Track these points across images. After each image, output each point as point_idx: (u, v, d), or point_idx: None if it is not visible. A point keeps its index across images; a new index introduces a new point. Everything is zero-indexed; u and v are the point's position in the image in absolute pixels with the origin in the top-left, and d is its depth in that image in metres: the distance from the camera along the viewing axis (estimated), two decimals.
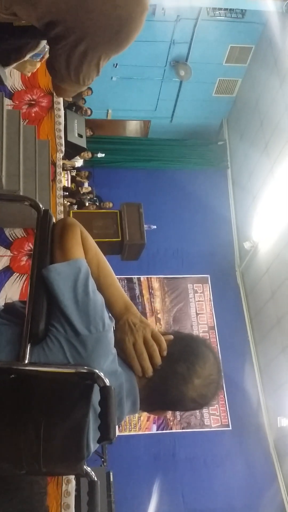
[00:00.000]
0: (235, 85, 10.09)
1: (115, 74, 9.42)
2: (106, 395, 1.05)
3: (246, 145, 9.67)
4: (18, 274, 5.48)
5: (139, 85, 9.86)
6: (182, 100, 10.31)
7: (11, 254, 5.58)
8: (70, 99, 8.34)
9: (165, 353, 1.22)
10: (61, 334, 1.11)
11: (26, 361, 1.08)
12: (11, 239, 5.64)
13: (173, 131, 10.79)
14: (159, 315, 8.84)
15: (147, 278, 9.07)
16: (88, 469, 1.29)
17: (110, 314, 1.20)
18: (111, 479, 5.82)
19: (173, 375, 1.21)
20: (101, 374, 1.07)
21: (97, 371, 1.07)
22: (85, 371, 1.07)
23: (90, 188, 8.96)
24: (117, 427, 1.07)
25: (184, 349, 1.25)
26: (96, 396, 1.08)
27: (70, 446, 1.14)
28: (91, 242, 1.29)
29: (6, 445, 1.15)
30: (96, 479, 1.31)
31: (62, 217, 4.15)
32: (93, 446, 1.18)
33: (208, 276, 9.23)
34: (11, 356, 1.10)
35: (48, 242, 1.25)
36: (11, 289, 5.30)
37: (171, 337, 1.27)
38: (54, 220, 1.31)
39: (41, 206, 1.33)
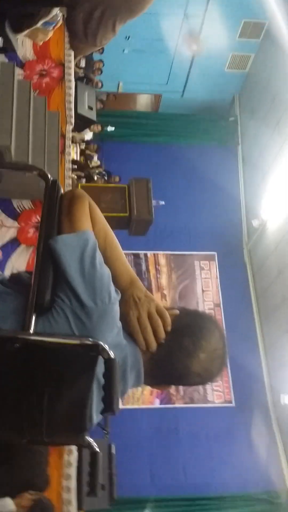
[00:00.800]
0: (247, 61, 9.90)
1: (127, 46, 9.24)
2: (110, 367, 1.05)
3: (257, 122, 9.52)
4: (25, 246, 5.48)
5: (151, 58, 9.69)
6: (194, 75, 10.13)
7: (19, 226, 5.57)
8: (82, 72, 8.22)
9: (169, 328, 1.22)
10: (67, 305, 1.10)
11: (31, 331, 1.08)
12: (18, 211, 5.62)
13: (184, 106, 10.63)
14: (165, 291, 8.86)
15: (154, 254, 9.06)
16: (90, 440, 1.30)
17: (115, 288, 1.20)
18: (113, 452, 5.91)
19: (178, 349, 1.20)
20: (106, 347, 1.07)
21: (101, 343, 1.07)
22: (90, 343, 1.07)
23: (99, 162, 8.89)
24: (120, 400, 1.07)
25: (189, 324, 1.25)
26: (100, 368, 1.08)
27: (73, 417, 1.15)
28: (99, 214, 1.28)
29: (9, 413, 1.16)
30: (98, 450, 1.33)
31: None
32: (96, 418, 1.19)
33: (215, 253, 9.20)
34: (16, 326, 1.10)
35: (56, 212, 1.23)
36: (18, 261, 5.31)
37: (177, 312, 1.27)
38: (62, 191, 1.29)
39: (49, 176, 1.31)
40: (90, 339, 1.07)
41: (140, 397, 7.87)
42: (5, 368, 1.09)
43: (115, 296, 1.15)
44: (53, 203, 1.26)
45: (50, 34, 1.98)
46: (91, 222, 1.24)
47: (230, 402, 8.24)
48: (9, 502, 1.74)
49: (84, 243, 1.16)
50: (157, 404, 8.05)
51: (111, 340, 1.12)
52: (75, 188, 1.32)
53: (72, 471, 4.04)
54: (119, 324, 1.17)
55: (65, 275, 1.11)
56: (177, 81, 10.26)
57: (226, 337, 1.27)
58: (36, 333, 1.08)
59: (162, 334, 1.20)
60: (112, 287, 1.15)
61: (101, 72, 8.99)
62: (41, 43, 2.01)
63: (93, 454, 1.30)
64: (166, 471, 7.56)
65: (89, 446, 1.30)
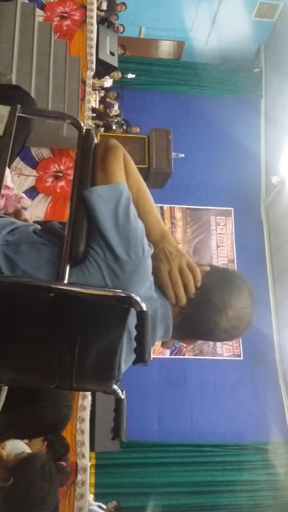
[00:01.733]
0: (276, 9, 9.43)
1: None
2: (143, 319, 1.07)
3: (283, 74, 9.16)
4: (43, 195, 5.48)
5: (175, 3, 9.27)
6: (219, 22, 9.71)
7: (37, 175, 5.54)
8: (103, 14, 7.91)
9: (199, 284, 1.22)
10: (100, 257, 1.11)
11: (65, 281, 1.09)
12: (37, 159, 5.58)
13: (207, 55, 10.25)
14: (179, 245, 8.85)
15: (170, 207, 9.00)
16: (116, 387, 1.34)
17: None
18: (124, 396, 6.12)
19: (208, 305, 1.22)
20: (138, 299, 1.08)
21: (134, 295, 1.08)
22: (123, 295, 1.08)
23: (118, 111, 8.69)
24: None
25: (220, 281, 1.25)
26: (131, 320, 1.10)
27: (102, 365, 1.18)
28: (133, 166, 1.26)
29: (41, 359, 1.19)
30: (123, 397, 1.37)
31: None
32: (124, 367, 1.22)
33: (232, 209, 9.12)
34: (50, 276, 1.11)
35: (90, 163, 1.22)
36: (36, 209, 5.32)
37: (207, 268, 1.27)
38: (96, 140, 1.27)
39: (82, 125, 1.29)
40: (123, 291, 1.08)
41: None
42: (40, 316, 1.12)
43: (148, 250, 1.15)
44: (87, 153, 1.24)
45: None
46: (125, 174, 1.22)
47: (239, 356, 8.40)
48: (21, 445, 1.82)
49: (118, 195, 1.15)
50: (167, 354, 8.23)
51: (143, 293, 1.13)
52: (110, 138, 1.29)
53: (86, 415, 4.20)
54: (151, 277, 1.17)
55: (99, 227, 1.11)
56: (202, 28, 9.85)
57: (255, 295, 1.28)
58: (70, 283, 1.09)
59: (192, 289, 1.21)
60: (146, 241, 1.15)
61: (118, 17, 8.61)
62: None
63: (118, 400, 1.35)
64: (173, 418, 7.82)
65: (115, 393, 1.34)
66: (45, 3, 6.09)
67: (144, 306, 1.07)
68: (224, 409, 7.92)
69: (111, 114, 8.45)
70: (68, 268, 1.10)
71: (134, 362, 1.07)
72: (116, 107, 8.68)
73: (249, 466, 7.72)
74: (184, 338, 1.33)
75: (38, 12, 5.35)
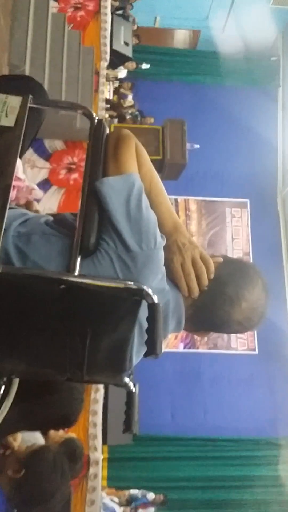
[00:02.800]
0: None
1: None
2: (154, 311, 1.05)
3: None
4: (56, 187, 5.48)
5: None
6: (236, 9, 9.58)
7: (50, 167, 5.54)
8: (117, 3, 7.85)
9: (212, 275, 1.21)
10: (112, 249, 1.09)
11: (76, 273, 1.08)
12: (50, 151, 5.58)
13: (224, 44, 10.09)
14: (194, 238, 8.79)
15: (185, 199, 8.95)
16: (127, 380, 1.34)
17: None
18: (137, 391, 6.14)
19: (221, 297, 1.20)
20: (150, 291, 1.06)
21: (145, 288, 1.06)
22: (134, 287, 1.06)
23: (133, 102, 8.64)
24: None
25: (233, 272, 1.24)
26: (143, 312, 1.09)
27: (113, 358, 1.18)
28: (146, 156, 1.24)
29: (52, 352, 1.19)
30: (134, 390, 1.36)
31: None
32: (135, 360, 1.21)
33: (248, 201, 9.03)
34: (61, 267, 1.10)
35: (101, 154, 1.20)
36: (49, 202, 5.33)
37: (221, 259, 1.26)
38: (108, 130, 1.25)
39: (94, 115, 1.27)
40: (134, 283, 1.07)
41: (165, 341, 8.03)
42: (51, 308, 1.11)
43: (161, 241, 1.14)
44: (99, 143, 1.22)
45: None
46: (137, 165, 1.21)
47: (254, 350, 8.35)
48: (38, 436, 1.83)
49: (130, 186, 1.13)
50: (181, 348, 8.22)
51: (155, 285, 1.11)
52: (122, 128, 1.27)
53: (99, 408, 4.23)
54: (163, 269, 1.16)
55: (111, 218, 1.10)
56: (218, 17, 9.73)
57: (269, 288, 1.26)
58: (81, 275, 1.08)
59: (205, 281, 1.20)
60: (158, 232, 1.14)
61: (132, 7, 8.51)
62: None
63: (130, 393, 1.34)
64: (187, 411, 7.82)
65: (126, 386, 1.33)
66: None
67: (155, 299, 1.06)
68: (238, 403, 7.90)
69: (125, 105, 8.40)
70: (79, 259, 1.09)
71: (145, 355, 1.06)
72: (130, 97, 8.63)
73: (263, 461, 7.71)
74: (197, 330, 1.32)
75: (52, 3, 5.33)
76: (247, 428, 7.79)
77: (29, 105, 1.32)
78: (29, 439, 1.72)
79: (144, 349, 1.06)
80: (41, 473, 1.59)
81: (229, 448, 7.68)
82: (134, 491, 6.73)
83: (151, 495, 6.73)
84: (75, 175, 5.49)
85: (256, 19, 9.64)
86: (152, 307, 1.06)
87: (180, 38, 10.83)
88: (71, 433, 1.88)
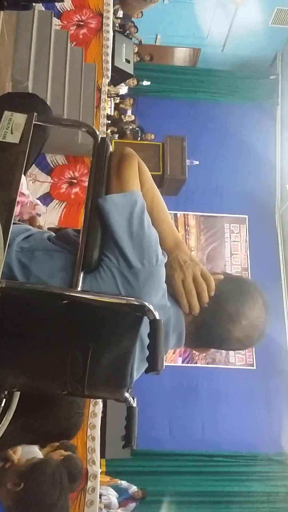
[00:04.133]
0: None
1: None
2: (156, 328, 1.06)
3: None
4: (57, 201, 5.52)
5: (191, 10, 9.30)
6: (235, 28, 9.72)
7: (52, 181, 5.59)
8: (119, 21, 7.96)
9: (213, 292, 1.22)
10: (114, 265, 1.11)
11: (79, 289, 1.10)
12: (52, 166, 5.63)
13: (223, 62, 10.26)
14: (193, 253, 8.82)
15: (184, 214, 8.99)
16: (127, 395, 1.34)
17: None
18: (135, 405, 6.12)
19: (221, 314, 1.21)
20: (151, 307, 1.07)
21: (147, 304, 1.08)
22: (136, 303, 1.08)
23: (133, 117, 8.73)
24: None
25: (234, 290, 1.25)
26: (144, 328, 1.10)
27: (114, 373, 1.18)
28: (148, 174, 1.27)
29: (54, 366, 1.19)
30: (134, 405, 1.37)
31: None
32: (136, 375, 1.22)
33: (246, 216, 9.08)
34: (64, 283, 1.12)
35: (105, 171, 1.22)
36: (50, 216, 5.35)
37: (221, 276, 1.27)
38: (111, 148, 1.28)
39: (98, 133, 1.30)
40: (136, 299, 1.08)
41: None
42: (53, 323, 1.12)
43: (162, 258, 1.15)
44: (102, 161, 1.24)
45: None
46: (140, 182, 1.23)
47: (252, 365, 8.33)
48: (36, 450, 1.83)
49: (133, 204, 1.15)
50: (179, 362, 8.19)
51: (157, 302, 1.13)
52: (125, 146, 1.29)
53: (97, 421, 4.20)
54: (165, 286, 1.18)
55: (114, 235, 1.12)
56: (218, 35, 9.88)
57: (269, 305, 1.27)
58: (83, 291, 1.10)
59: (206, 298, 1.21)
60: (159, 249, 1.15)
61: (137, 29, 8.65)
62: None
63: (130, 408, 1.34)
64: (185, 427, 7.77)
65: (126, 401, 1.34)
66: (61, 12, 6.15)
67: (157, 315, 1.07)
68: (236, 418, 7.85)
69: (125, 120, 8.48)
70: (81, 275, 1.11)
71: (147, 371, 1.07)
72: (129, 112, 8.71)
73: (261, 477, 7.64)
74: (197, 346, 1.33)
75: (55, 21, 5.41)
76: (245, 444, 7.74)
77: (34, 122, 1.34)
78: (28, 452, 1.71)
79: (145, 365, 1.07)
80: (40, 487, 1.59)
81: (226, 463, 7.63)
82: (122, 483, 6.72)
83: (133, 489, 6.70)
84: (76, 189, 5.53)
85: (255, 38, 9.79)
86: (154, 323, 1.06)
87: (181, 56, 10.97)
88: (71, 452, 1.87)
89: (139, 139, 8.27)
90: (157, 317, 1.07)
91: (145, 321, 1.09)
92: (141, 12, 8.35)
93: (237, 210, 9.05)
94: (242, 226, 9.08)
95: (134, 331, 1.11)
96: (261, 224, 9.04)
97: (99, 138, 1.28)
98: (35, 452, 1.81)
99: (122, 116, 8.57)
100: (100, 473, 4.39)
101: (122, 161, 1.23)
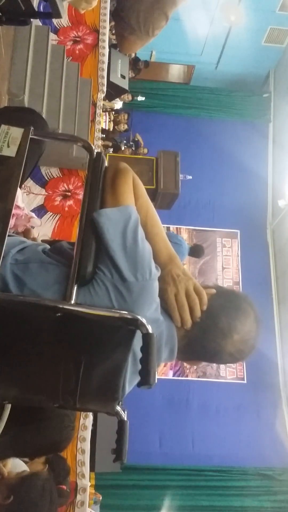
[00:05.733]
0: (286, 35, 9.57)
1: None
2: (148, 341, 1.07)
3: None
4: (51, 213, 5.53)
5: (186, 28, 9.42)
6: (229, 47, 9.85)
7: (46, 193, 5.61)
8: (115, 37, 8.05)
9: (205, 307, 1.23)
10: (108, 278, 1.12)
11: (72, 302, 1.11)
12: (46, 178, 5.65)
13: (217, 79, 10.39)
14: (185, 266, 8.84)
15: (177, 228, 9.03)
16: (119, 408, 1.34)
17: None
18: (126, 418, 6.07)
19: (213, 329, 1.22)
20: (144, 321, 1.09)
21: (140, 317, 1.09)
22: (129, 317, 1.09)
23: (127, 127, 8.80)
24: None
25: (226, 304, 1.26)
26: (137, 342, 1.11)
27: (106, 386, 1.18)
28: (142, 189, 1.29)
29: (46, 378, 1.20)
30: (126, 419, 1.37)
31: None
32: (128, 388, 1.23)
33: (238, 231, 9.15)
34: (57, 295, 1.13)
35: (99, 185, 1.24)
36: (44, 228, 5.36)
37: (214, 291, 1.28)
38: (106, 163, 1.30)
39: (93, 148, 1.32)
40: (129, 313, 1.09)
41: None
42: (46, 335, 1.13)
43: (155, 272, 1.16)
44: (97, 175, 1.26)
45: (94, 4, 1.92)
46: (134, 197, 1.25)
47: (242, 379, 8.32)
48: (21, 464, 1.82)
49: (127, 218, 1.17)
50: (170, 375, 8.17)
51: (149, 315, 1.14)
52: (120, 161, 1.31)
53: (87, 435, 4.17)
54: (158, 299, 1.19)
55: (107, 249, 1.13)
56: (212, 53, 10.00)
57: (260, 319, 1.29)
58: (77, 304, 1.11)
59: (198, 313, 1.22)
60: (153, 263, 1.17)
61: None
62: (83, 11, 1.94)
63: (121, 422, 1.34)
64: (175, 441, 7.72)
65: (117, 414, 1.34)
66: (58, 28, 6.22)
67: (150, 329, 1.08)
68: (226, 432, 7.82)
69: (119, 130, 8.55)
70: (75, 288, 1.12)
71: (139, 385, 1.08)
72: (121, 126, 8.77)
73: (251, 492, 7.58)
74: (189, 359, 1.34)
75: (52, 36, 5.47)
76: (235, 458, 7.70)
77: (30, 136, 1.36)
78: (18, 465, 1.71)
79: (137, 378, 1.08)
80: (30, 501, 1.58)
81: (217, 477, 7.57)
82: None
83: None
84: (70, 202, 5.55)
85: (249, 56, 9.94)
86: (147, 337, 1.07)
87: (175, 73, 11.10)
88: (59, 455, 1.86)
89: (133, 153, 8.33)
90: (150, 331, 1.08)
91: (138, 334, 1.10)
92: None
93: (229, 224, 9.11)
94: (234, 240, 9.13)
95: (126, 344, 1.12)
96: (253, 239, 9.11)
97: (95, 153, 1.30)
98: (23, 465, 1.80)
99: (116, 127, 8.64)
100: (90, 486, 4.34)
101: (117, 175, 1.24)
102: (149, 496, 7.25)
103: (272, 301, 8.73)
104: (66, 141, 1.58)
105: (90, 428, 4.40)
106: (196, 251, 6.21)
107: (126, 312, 1.09)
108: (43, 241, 1.50)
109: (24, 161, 1.32)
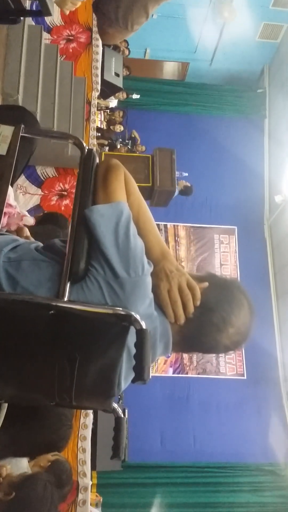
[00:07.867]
0: (280, 31, 9.55)
1: (157, 11, 8.97)
2: (142, 337, 1.07)
3: (286, 95, 9.27)
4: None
5: (180, 25, 9.41)
6: (223, 43, 9.84)
7: (42, 193, 5.60)
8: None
9: (198, 303, 1.22)
10: (101, 275, 1.12)
11: (65, 299, 1.10)
12: (42, 178, 5.64)
13: (211, 76, 10.38)
14: (183, 263, 8.88)
15: (174, 225, 9.03)
16: (116, 405, 1.34)
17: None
18: (126, 416, 6.07)
19: (208, 324, 1.22)
20: (138, 317, 1.08)
21: (133, 313, 1.08)
22: (122, 313, 1.08)
23: (122, 128, 8.79)
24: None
25: (219, 297, 1.25)
26: (131, 338, 1.10)
27: (102, 383, 1.18)
28: (134, 185, 1.28)
29: (41, 377, 1.20)
30: (122, 415, 1.37)
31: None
32: (124, 385, 1.22)
33: (236, 227, 9.15)
34: (50, 293, 1.12)
35: (91, 182, 1.24)
36: None
37: (206, 284, 1.26)
38: (98, 160, 1.29)
39: (85, 145, 1.31)
40: (122, 309, 1.09)
41: (154, 365, 7.99)
42: (40, 333, 1.13)
43: (148, 268, 1.16)
44: (89, 172, 1.26)
45: (79, 4, 1.91)
46: (126, 193, 1.24)
47: (242, 375, 8.33)
48: (24, 463, 1.81)
49: (119, 214, 1.16)
50: (170, 373, 8.18)
51: (143, 311, 1.13)
52: (111, 158, 1.31)
53: (88, 433, 4.18)
54: (151, 295, 1.18)
55: (100, 245, 1.12)
56: (206, 50, 9.98)
57: (254, 307, 1.28)
58: (70, 301, 1.10)
59: (191, 309, 1.21)
60: (145, 259, 1.16)
61: (128, 43, 8.72)
62: (67, 12, 1.94)
63: (118, 419, 1.34)
64: (176, 438, 7.73)
65: (114, 411, 1.34)
66: (51, 27, 6.21)
67: (143, 324, 1.08)
68: (227, 429, 7.83)
69: (114, 130, 8.54)
70: (68, 285, 1.12)
71: (133, 381, 1.07)
72: (117, 126, 8.75)
73: (252, 488, 7.60)
74: (184, 352, 1.34)
75: (45, 35, 5.45)
76: (237, 454, 7.71)
77: (21, 134, 1.36)
78: (18, 466, 1.71)
79: (133, 374, 1.07)
80: (30, 502, 1.58)
81: (218, 474, 7.58)
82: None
83: None
84: (66, 202, 5.55)
85: (243, 52, 9.93)
86: (140, 333, 1.07)
87: (170, 70, 11.08)
88: (59, 456, 1.86)
89: (130, 150, 8.32)
90: (144, 327, 1.07)
91: (132, 330, 1.09)
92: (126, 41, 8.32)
93: (226, 221, 9.11)
94: (231, 236, 9.14)
95: (120, 340, 1.11)
96: (250, 235, 9.11)
97: (86, 150, 1.30)
98: (25, 467, 1.80)
99: (112, 127, 8.63)
100: (91, 485, 4.35)
101: (108, 172, 1.24)
102: (151, 494, 7.26)
103: (270, 296, 8.74)
104: (57, 138, 1.58)
105: (90, 426, 4.40)
106: (185, 192, 6.55)
107: (119, 308, 1.09)
108: (35, 217, 1.48)
109: (15, 159, 1.32)
